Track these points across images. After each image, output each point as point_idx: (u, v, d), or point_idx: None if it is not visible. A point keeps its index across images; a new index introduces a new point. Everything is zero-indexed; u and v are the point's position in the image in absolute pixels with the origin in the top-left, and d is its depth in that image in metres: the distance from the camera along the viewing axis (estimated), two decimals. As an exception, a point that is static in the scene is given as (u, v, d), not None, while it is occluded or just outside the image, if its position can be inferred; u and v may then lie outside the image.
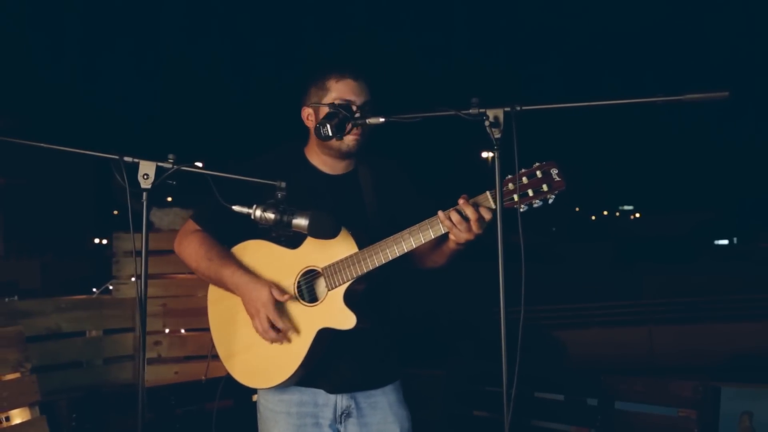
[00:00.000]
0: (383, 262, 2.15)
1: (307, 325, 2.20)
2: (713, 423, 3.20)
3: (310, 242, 2.21)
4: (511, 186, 2.01)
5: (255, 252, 2.30)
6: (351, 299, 2.17)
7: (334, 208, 2.16)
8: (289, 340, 2.22)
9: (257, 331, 2.21)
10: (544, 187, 2.00)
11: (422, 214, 2.30)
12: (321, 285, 2.21)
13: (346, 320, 2.16)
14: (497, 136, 1.87)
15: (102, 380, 4.43)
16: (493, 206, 2.03)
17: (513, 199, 2.00)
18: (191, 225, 2.40)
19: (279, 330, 2.20)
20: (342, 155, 2.35)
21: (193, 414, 3.64)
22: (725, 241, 43.10)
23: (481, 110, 1.89)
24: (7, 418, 3.02)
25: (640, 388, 3.42)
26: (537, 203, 2.02)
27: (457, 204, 2.10)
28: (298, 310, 2.22)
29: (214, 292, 2.38)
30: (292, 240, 2.20)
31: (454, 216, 2.08)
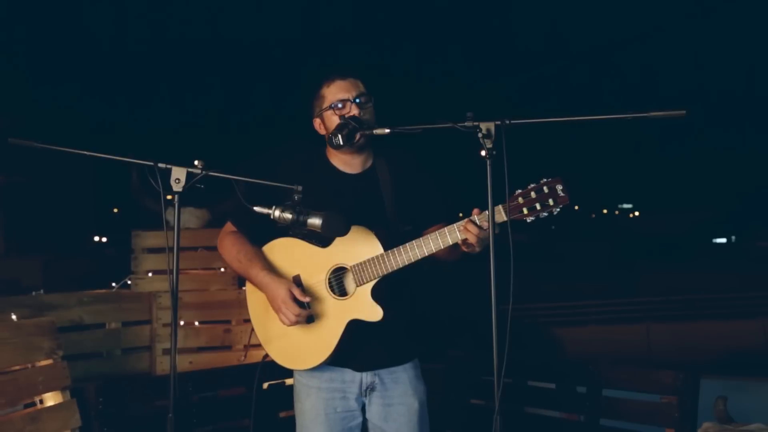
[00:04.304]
0: (406, 263, 2.39)
1: (338, 316, 2.45)
2: (693, 408, 3.38)
3: (339, 242, 2.44)
4: (520, 200, 2.25)
5: (288, 249, 2.53)
6: (377, 294, 2.42)
7: (354, 206, 2.44)
8: (322, 329, 2.47)
9: (284, 323, 2.44)
10: (550, 201, 2.24)
11: (438, 203, 2.59)
12: (350, 281, 2.45)
13: (374, 313, 2.42)
14: (489, 146, 2.13)
15: (121, 369, 4.64)
16: (505, 218, 2.25)
17: (523, 211, 2.25)
18: (229, 226, 2.64)
19: (306, 320, 2.44)
20: (351, 150, 2.53)
21: (208, 400, 3.84)
22: (723, 240, 43.25)
23: (475, 123, 2.13)
24: (41, 401, 3.27)
25: (625, 377, 3.59)
26: (543, 215, 2.26)
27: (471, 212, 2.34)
28: (329, 302, 2.47)
29: (251, 284, 2.61)
30: (322, 239, 2.44)
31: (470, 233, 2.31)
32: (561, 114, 2.13)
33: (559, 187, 2.23)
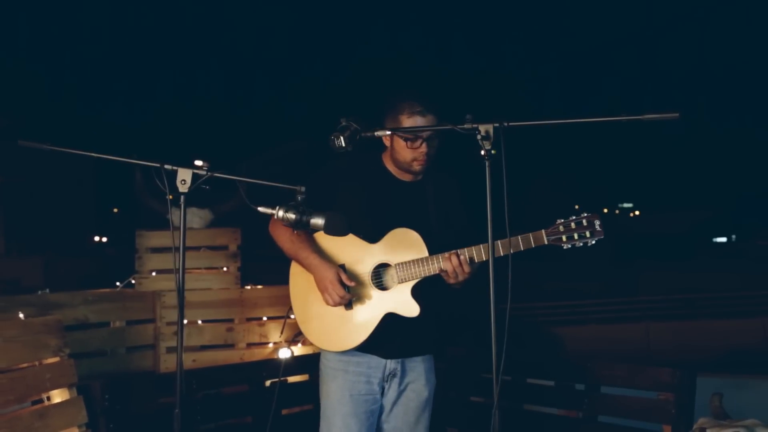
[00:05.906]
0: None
1: (377, 307, 2.64)
2: (689, 405, 3.42)
3: (387, 240, 2.64)
4: (561, 228, 2.48)
5: (338, 239, 2.67)
6: (416, 292, 2.61)
7: (404, 210, 2.67)
8: (359, 317, 2.64)
9: (327, 303, 2.62)
10: (587, 233, 2.48)
11: (464, 228, 2.78)
12: (391, 277, 2.63)
13: (412, 310, 2.61)
14: (488, 147, 2.19)
15: (125, 367, 4.70)
16: (545, 242, 2.53)
17: (561, 239, 2.48)
18: None
19: (347, 304, 2.62)
20: (409, 172, 2.73)
21: (212, 397, 3.90)
22: (723, 239, 43.26)
23: (474, 125, 2.20)
24: (48, 398, 3.31)
25: (623, 374, 3.63)
26: (579, 245, 2.49)
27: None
28: (369, 293, 2.65)
29: (295, 266, 2.77)
30: (371, 236, 2.64)
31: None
32: (560, 115, 2.19)
33: (597, 222, 2.47)
